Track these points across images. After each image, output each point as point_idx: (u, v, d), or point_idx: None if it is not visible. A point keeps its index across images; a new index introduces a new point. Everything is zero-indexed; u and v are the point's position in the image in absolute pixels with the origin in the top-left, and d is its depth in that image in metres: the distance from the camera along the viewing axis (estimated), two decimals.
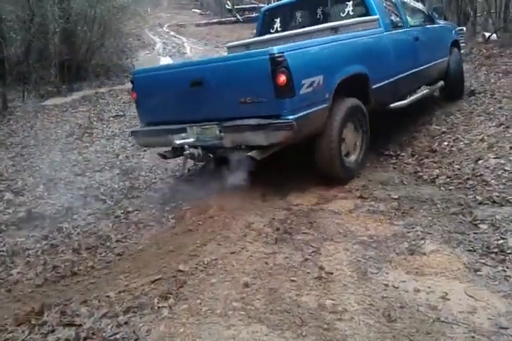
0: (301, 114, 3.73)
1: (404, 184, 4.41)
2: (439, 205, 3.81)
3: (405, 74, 5.41)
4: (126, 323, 2.53)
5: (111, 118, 8.82)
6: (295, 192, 4.23)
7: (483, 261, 2.96)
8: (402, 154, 5.22)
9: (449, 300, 2.57)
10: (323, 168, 4.25)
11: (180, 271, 2.94)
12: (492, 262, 2.93)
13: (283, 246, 3.21)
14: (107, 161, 6.09)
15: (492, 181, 4.08)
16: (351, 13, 5.41)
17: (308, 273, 2.84)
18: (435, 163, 4.82)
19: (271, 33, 5.89)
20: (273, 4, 6.52)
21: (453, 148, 5.08)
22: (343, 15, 5.43)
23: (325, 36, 4.61)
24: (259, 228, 3.51)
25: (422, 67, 5.89)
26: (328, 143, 4.10)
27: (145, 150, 6.39)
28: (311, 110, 3.84)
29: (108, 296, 2.83)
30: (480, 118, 5.88)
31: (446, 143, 5.27)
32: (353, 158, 4.59)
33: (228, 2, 30.53)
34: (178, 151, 4.40)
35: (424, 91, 6.08)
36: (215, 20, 27.76)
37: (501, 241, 3.15)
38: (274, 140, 3.70)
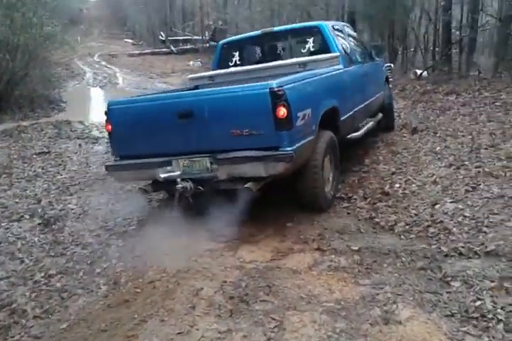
0: (297, 145, 3.84)
1: (362, 232, 4.09)
2: (403, 258, 3.50)
3: (360, 106, 5.77)
4: None
5: (34, 156, 8.00)
6: (247, 245, 3.78)
7: (464, 329, 2.64)
8: (354, 197, 4.93)
9: None
10: (306, 196, 4.41)
11: None
12: (475, 330, 2.62)
13: (240, 321, 2.73)
14: (26, 208, 5.34)
15: (454, 229, 3.84)
16: (312, 49, 5.61)
17: None
18: (390, 207, 4.56)
19: (230, 66, 6.00)
20: (232, 38, 6.60)
21: (406, 191, 4.86)
22: (304, 51, 5.63)
23: (293, 71, 4.93)
24: (210, 295, 3.01)
25: (369, 100, 6.31)
26: (313, 173, 4.26)
27: (71, 195, 5.72)
28: (304, 141, 3.99)
29: None
30: (428, 158, 5.76)
31: (398, 185, 5.05)
32: (328, 189, 4.70)
33: (162, 33, 30.33)
34: (159, 185, 4.29)
35: (370, 122, 6.31)
36: (149, 51, 27.40)
37: (479, 303, 2.86)
38: (273, 171, 3.74)
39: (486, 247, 3.46)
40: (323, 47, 5.44)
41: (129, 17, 36.15)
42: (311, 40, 5.61)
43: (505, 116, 7.36)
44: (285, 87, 3.73)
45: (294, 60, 5.30)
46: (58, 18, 14.80)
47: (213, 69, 6.12)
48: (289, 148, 3.70)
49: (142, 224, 4.33)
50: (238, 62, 6.04)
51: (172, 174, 3.98)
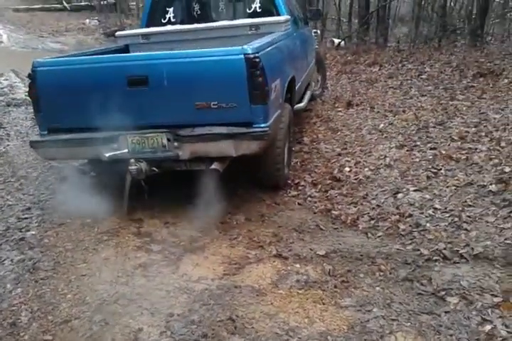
0: (271, 121, 3.40)
1: (322, 229, 3.48)
2: (382, 266, 2.94)
3: (304, 74, 5.37)
4: None
5: None
6: (189, 254, 2.96)
7: None
8: (302, 184, 4.28)
9: None
10: (268, 175, 3.99)
11: None
12: None
13: None
14: None
15: (429, 225, 3.34)
16: (258, 10, 5.01)
17: None
18: (345, 196, 3.98)
19: (163, 23, 5.21)
20: None
21: (359, 176, 4.30)
22: (250, 11, 5.02)
23: (243, 33, 4.50)
24: (153, 340, 2.19)
25: (309, 68, 5.93)
26: (277, 151, 3.83)
27: None
28: (275, 116, 3.55)
29: None
30: (373, 137, 5.24)
31: (348, 169, 4.48)
32: (286, 166, 4.29)
33: None
34: (101, 166, 3.63)
35: (308, 92, 5.94)
36: (38, 6, 24.35)
37: (488, 327, 2.36)
38: (246, 150, 3.29)
39: (473, 249, 2.99)
40: (271, 8, 4.93)
41: None
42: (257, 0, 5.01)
43: (436, 90, 7.07)
44: (261, 53, 3.24)
45: (247, 20, 4.71)
46: None
47: (142, 27, 5.31)
48: (264, 125, 3.28)
49: (45, 227, 3.31)
50: (173, 20, 5.24)
51: (121, 152, 3.34)
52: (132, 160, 3.27)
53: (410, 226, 3.37)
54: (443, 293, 2.63)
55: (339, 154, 4.88)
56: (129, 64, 3.35)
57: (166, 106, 3.29)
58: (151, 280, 2.71)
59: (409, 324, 2.39)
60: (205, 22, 5.00)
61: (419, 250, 3.07)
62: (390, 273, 2.86)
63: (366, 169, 4.43)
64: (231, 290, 2.63)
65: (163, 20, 5.26)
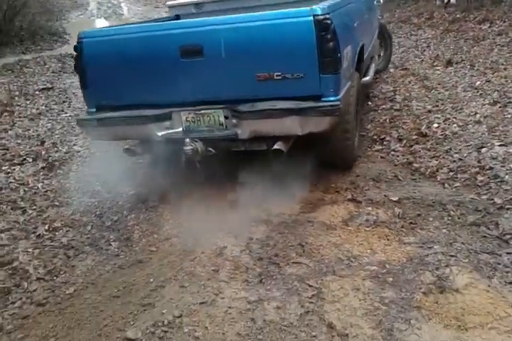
0: (342, 93, 3.02)
1: (400, 180, 3.65)
2: (451, 212, 3.08)
3: (371, 43, 5.01)
4: None
5: (37, 92, 7.47)
6: (271, 195, 3.34)
7: None
8: (387, 139, 4.43)
9: None
10: (337, 156, 3.64)
11: (129, 339, 2.04)
12: None
13: (271, 287, 2.37)
14: (29, 150, 4.93)
15: (507, 177, 3.38)
16: None
17: (314, 336, 2.00)
18: (429, 150, 4.08)
19: None
20: None
21: (446, 132, 4.35)
22: None
23: None
24: (235, 256, 2.64)
25: (374, 38, 5.48)
26: (346, 128, 3.45)
27: (77, 135, 5.27)
28: (345, 88, 3.18)
29: None
30: (467, 94, 5.17)
31: (436, 125, 4.53)
32: (356, 144, 3.96)
33: None
34: (153, 146, 3.26)
35: (373, 65, 5.19)
36: None
37: None
38: (315, 128, 2.92)
39: None
40: None
41: None
42: None
43: None
44: (332, 14, 2.88)
45: None
46: None
47: None
48: (334, 98, 2.89)
49: (153, 172, 3.85)
50: None
51: (174, 131, 3.14)
52: (187, 140, 3.00)
53: (489, 178, 3.44)
54: (508, 236, 2.75)
55: (429, 111, 4.92)
56: (180, 32, 3.03)
57: (223, 78, 2.98)
58: (237, 212, 3.16)
59: (467, 260, 2.57)
60: None
61: (492, 199, 3.16)
62: (459, 218, 3.01)
63: (454, 125, 4.45)
64: (304, 224, 2.98)
65: None
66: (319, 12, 2.80)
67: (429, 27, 9.79)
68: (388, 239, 2.82)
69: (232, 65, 2.93)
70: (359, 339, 2.01)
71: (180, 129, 3.15)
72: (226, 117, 3.05)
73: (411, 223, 3.00)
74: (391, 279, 2.42)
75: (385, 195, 3.38)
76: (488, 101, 4.79)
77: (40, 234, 3.17)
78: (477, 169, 3.58)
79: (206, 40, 2.94)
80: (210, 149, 3.10)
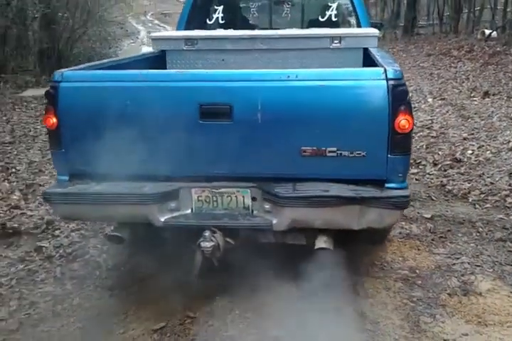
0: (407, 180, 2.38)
1: (433, 200, 3.92)
2: (480, 229, 3.34)
3: None
4: None
5: None
6: None
7: None
8: (423, 163, 4.73)
9: None
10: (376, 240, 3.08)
11: (189, 317, 2.39)
12: None
13: None
14: None
15: None
16: (334, 19, 4.09)
17: (348, 322, 2.30)
18: (462, 174, 4.35)
19: (208, 25, 4.26)
20: None
21: (480, 158, 4.62)
22: (323, 19, 4.11)
23: (322, 46, 3.47)
24: None
25: None
26: None
27: None
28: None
29: None
30: (502, 124, 5.43)
31: (470, 152, 4.81)
32: None
33: None
34: (149, 232, 2.60)
35: None
36: None
37: None
38: (377, 223, 2.25)
39: None
40: (350, 17, 4.16)
41: None
42: (334, 5, 4.08)
43: None
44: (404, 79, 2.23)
45: (329, 30, 3.73)
46: None
47: (179, 27, 4.30)
48: (401, 185, 2.27)
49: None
50: (221, 22, 4.23)
51: (181, 214, 2.39)
52: (207, 234, 2.29)
53: None
54: None
55: (465, 138, 5.20)
56: (204, 85, 2.31)
57: (255, 149, 2.30)
58: None
59: (491, 270, 2.82)
60: (263, 28, 4.15)
61: None
62: (486, 234, 3.26)
63: (488, 152, 4.71)
64: None
65: (208, 22, 4.24)
66: (394, 75, 2.15)
67: (468, 60, 10.08)
68: (419, 250, 3.10)
69: (270, 133, 2.25)
70: (388, 327, 2.30)
71: (189, 211, 2.41)
72: (254, 199, 2.34)
73: (441, 237, 3.26)
74: (420, 282, 2.70)
75: (418, 213, 3.66)
76: None
77: (106, 233, 3.59)
78: (507, 192, 3.83)
79: (239, 98, 2.25)
80: (229, 240, 2.38)
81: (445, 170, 4.49)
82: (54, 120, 2.38)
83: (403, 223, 3.48)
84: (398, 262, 2.92)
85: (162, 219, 2.34)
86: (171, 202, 2.36)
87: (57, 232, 3.75)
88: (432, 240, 3.22)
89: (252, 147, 2.30)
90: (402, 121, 2.16)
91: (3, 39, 10.37)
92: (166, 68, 3.76)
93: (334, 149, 2.21)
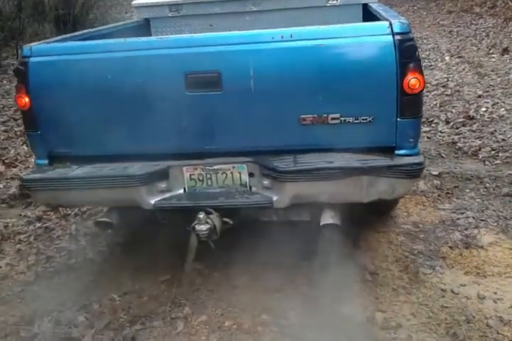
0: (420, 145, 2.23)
1: (443, 157, 3.90)
2: (487, 184, 3.33)
3: None
4: (132, 339, 2.10)
5: None
6: None
7: None
8: (435, 121, 4.67)
9: None
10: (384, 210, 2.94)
11: (195, 269, 2.49)
12: None
13: None
14: None
15: None
16: None
17: (349, 273, 2.37)
18: (474, 131, 4.30)
19: None
20: None
21: (493, 115, 4.54)
22: None
23: (317, 5, 3.33)
24: None
25: None
26: None
27: None
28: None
29: (111, 299, 2.39)
30: None
31: (484, 109, 4.72)
32: None
33: None
34: (139, 216, 2.46)
35: None
36: None
37: None
38: (388, 194, 2.07)
39: None
40: None
41: None
42: None
43: None
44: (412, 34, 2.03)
45: None
46: None
47: None
48: (413, 151, 2.09)
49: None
50: None
51: (173, 195, 2.20)
52: (202, 215, 2.09)
53: None
54: None
55: (480, 96, 5.10)
56: (188, 52, 2.07)
57: (249, 120, 2.10)
58: None
59: (495, 224, 2.84)
60: None
61: None
62: (494, 190, 3.25)
63: (502, 109, 4.62)
64: None
65: None
66: (402, 29, 1.95)
67: (490, 16, 9.72)
68: (424, 205, 3.12)
69: (265, 102, 2.05)
70: (388, 278, 2.36)
71: (181, 191, 2.21)
72: (251, 175, 2.15)
73: (447, 193, 3.27)
74: (422, 236, 2.74)
75: (426, 170, 3.64)
76: None
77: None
78: None
79: (227, 64, 2.05)
80: (227, 220, 2.18)
81: (457, 128, 4.43)
82: (26, 99, 2.18)
83: None
84: (402, 217, 2.95)
85: (152, 202, 2.15)
86: (160, 182, 2.16)
87: None
88: (438, 196, 3.23)
89: (245, 118, 2.09)
90: (412, 81, 1.96)
91: (19, 6, 10.33)
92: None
93: (337, 116, 2.02)
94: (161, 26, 3.61)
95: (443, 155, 3.93)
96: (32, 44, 2.25)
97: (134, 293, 2.43)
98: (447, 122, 4.60)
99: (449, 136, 4.30)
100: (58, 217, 3.46)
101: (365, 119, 2.01)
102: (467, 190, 3.29)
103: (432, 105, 5.09)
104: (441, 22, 10.45)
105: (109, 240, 3.01)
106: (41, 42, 2.40)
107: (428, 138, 4.35)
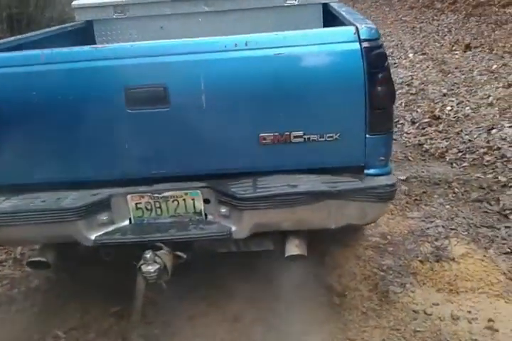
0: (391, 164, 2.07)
1: (410, 160, 3.79)
2: (456, 189, 3.22)
3: None
4: None
5: None
6: None
7: None
8: (401, 122, 4.56)
9: (497, 331, 1.99)
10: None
11: (147, 298, 2.27)
12: None
13: None
14: None
15: None
16: None
17: (315, 296, 2.20)
18: (440, 132, 4.20)
19: None
20: None
21: (458, 114, 4.46)
22: None
23: (273, 4, 3.14)
24: None
25: None
26: None
27: None
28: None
29: (55, 337, 2.17)
30: (483, 78, 5.24)
31: (449, 108, 4.64)
32: None
33: None
34: (77, 252, 2.12)
35: None
36: None
37: None
38: (358, 219, 1.92)
39: None
40: None
41: None
42: None
43: None
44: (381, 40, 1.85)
45: None
46: None
47: None
48: (384, 170, 1.91)
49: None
50: None
51: (117, 228, 1.93)
52: (148, 255, 1.84)
53: (496, 157, 3.55)
54: (508, 211, 2.88)
55: (444, 95, 5.02)
56: (128, 63, 1.81)
57: (201, 140, 1.85)
58: None
59: (466, 233, 2.72)
60: None
61: (497, 178, 3.28)
62: (463, 195, 3.14)
63: (467, 108, 4.55)
64: None
65: None
66: (370, 35, 1.75)
67: (452, 12, 9.73)
68: (392, 214, 2.98)
69: (219, 119, 1.83)
70: (356, 300, 2.20)
71: (127, 223, 1.95)
72: (206, 201, 1.92)
73: (416, 200, 3.14)
74: (391, 249, 2.59)
75: (393, 174, 3.52)
76: (502, 84, 4.87)
77: None
78: (485, 149, 3.69)
79: (175, 77, 1.80)
80: (180, 254, 1.94)
81: (423, 129, 4.33)
82: None
83: None
84: (370, 228, 2.80)
85: (92, 237, 1.87)
86: (101, 214, 1.88)
87: None
88: (407, 203, 3.10)
89: (197, 138, 1.84)
90: (381, 92, 1.78)
91: None
92: (94, 42, 3.31)
93: (300, 133, 1.81)
94: (105, 29, 3.33)
95: (410, 158, 3.81)
96: None
97: (80, 328, 2.20)
98: (413, 122, 4.50)
99: (415, 137, 4.20)
100: None
101: (331, 137, 1.81)
102: (435, 196, 3.18)
103: (397, 105, 4.96)
104: (403, 18, 10.44)
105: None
106: None
107: (394, 139, 4.21)
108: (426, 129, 4.30)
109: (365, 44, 1.73)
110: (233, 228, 1.85)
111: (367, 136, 1.81)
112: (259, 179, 1.86)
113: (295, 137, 1.81)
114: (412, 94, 5.25)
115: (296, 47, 1.77)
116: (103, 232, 1.89)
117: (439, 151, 3.83)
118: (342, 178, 1.84)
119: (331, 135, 1.80)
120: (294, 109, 1.81)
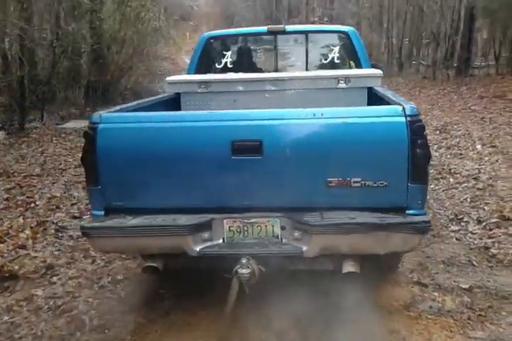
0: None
1: (474, 265, 3.42)
2: None
3: None
4: None
5: None
6: None
7: None
8: (466, 219, 4.21)
9: None
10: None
11: None
12: None
13: None
14: None
15: None
16: (336, 61, 4.57)
17: None
18: (510, 236, 3.81)
19: (216, 69, 4.68)
20: (223, 31, 5.13)
21: None
22: (326, 62, 4.61)
23: (329, 86, 3.77)
24: None
25: None
26: None
27: None
28: None
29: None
30: None
31: None
32: None
33: None
34: (183, 261, 2.72)
35: None
36: None
37: None
38: (401, 247, 2.47)
39: None
40: (351, 59, 4.53)
41: (237, 14, 36.65)
42: (336, 48, 4.56)
43: None
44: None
45: (335, 71, 4.14)
46: (169, 15, 15.25)
47: (190, 71, 4.70)
48: (421, 211, 2.48)
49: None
50: (230, 66, 4.65)
51: (214, 244, 2.55)
52: (244, 260, 2.42)
53: None
54: None
55: None
56: (236, 125, 2.50)
57: (283, 182, 2.46)
58: None
59: None
60: (269, 71, 4.59)
61: None
62: None
63: None
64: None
65: (217, 66, 4.67)
66: (412, 112, 2.38)
67: None
68: (451, 331, 2.61)
69: (298, 167, 2.44)
70: None
71: (221, 241, 2.56)
72: (283, 228, 2.53)
73: (480, 315, 2.76)
74: None
75: (454, 281, 3.17)
76: None
77: (102, 285, 3.31)
78: None
79: (268, 135, 2.43)
80: (261, 267, 2.48)
81: (490, 230, 3.96)
82: (92, 159, 2.54)
83: (436, 294, 3.01)
84: None
85: (197, 249, 2.49)
86: (204, 232, 2.51)
87: (54, 279, 3.54)
88: (469, 319, 2.72)
89: (280, 179, 2.45)
90: (420, 154, 2.38)
91: (52, 72, 10.65)
92: (180, 109, 3.95)
93: (358, 179, 2.40)
94: (190, 100, 4.03)
95: (474, 262, 3.44)
96: (100, 112, 2.63)
97: None
98: (479, 221, 4.14)
99: (481, 238, 3.83)
100: (29, 309, 3.07)
101: (382, 183, 2.40)
102: (504, 313, 2.78)
103: (461, 199, 4.67)
104: (472, 107, 10.23)
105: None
106: (106, 111, 2.77)
107: (457, 239, 3.88)
108: (494, 231, 3.93)
109: (409, 118, 2.37)
110: (304, 248, 2.44)
111: (409, 184, 2.42)
112: (325, 213, 2.44)
113: (354, 182, 2.41)
114: (478, 189, 4.92)
115: (358, 118, 2.43)
116: (205, 246, 2.51)
117: (508, 258, 3.45)
118: (389, 215, 2.41)
119: (382, 182, 2.41)
120: (354, 161, 2.41)
